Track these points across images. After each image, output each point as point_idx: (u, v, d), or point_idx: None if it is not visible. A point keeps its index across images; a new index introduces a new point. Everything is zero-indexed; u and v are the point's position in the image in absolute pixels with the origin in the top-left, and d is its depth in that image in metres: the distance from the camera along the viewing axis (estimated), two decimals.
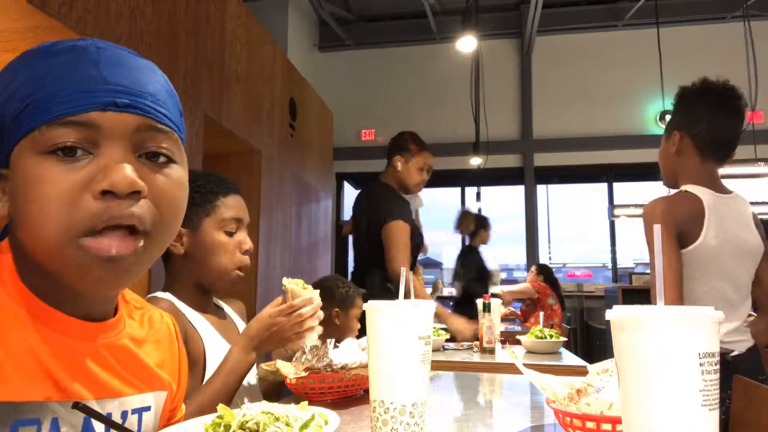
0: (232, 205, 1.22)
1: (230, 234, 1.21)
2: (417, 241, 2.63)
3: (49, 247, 0.54)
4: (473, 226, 4.95)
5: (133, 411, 0.66)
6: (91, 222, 0.53)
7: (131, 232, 0.55)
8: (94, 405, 0.59)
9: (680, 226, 1.43)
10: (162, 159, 0.59)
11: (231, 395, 1.09)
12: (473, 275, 4.78)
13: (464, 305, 4.51)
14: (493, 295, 2.78)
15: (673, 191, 1.60)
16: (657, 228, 0.61)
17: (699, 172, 1.55)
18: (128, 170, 0.54)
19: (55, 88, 0.54)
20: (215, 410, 0.68)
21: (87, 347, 0.61)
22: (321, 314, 1.34)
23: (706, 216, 1.45)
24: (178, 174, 0.61)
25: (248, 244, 1.23)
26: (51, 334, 0.58)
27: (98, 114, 0.54)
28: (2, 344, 0.54)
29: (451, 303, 5.00)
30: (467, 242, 5.13)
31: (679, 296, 1.37)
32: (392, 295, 2.31)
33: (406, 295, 0.88)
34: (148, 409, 0.69)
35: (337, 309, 1.86)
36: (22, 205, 0.55)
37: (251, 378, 1.28)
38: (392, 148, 2.66)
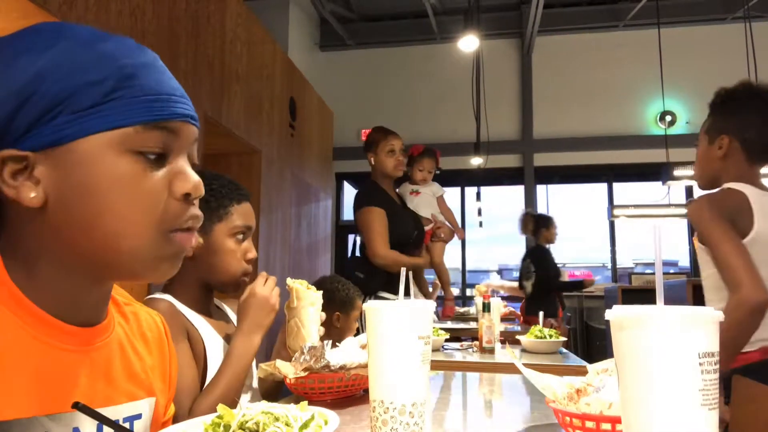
0: (244, 213, 1.24)
1: (239, 241, 1.22)
2: (410, 229, 2.64)
3: (140, 241, 0.56)
4: (532, 226, 5.04)
5: (125, 419, 0.65)
6: (176, 221, 0.58)
7: (192, 227, 0.61)
8: (81, 415, 0.57)
9: (731, 218, 1.44)
10: (196, 170, 0.63)
11: (242, 384, 1.13)
12: (546, 272, 4.83)
13: (537, 301, 4.56)
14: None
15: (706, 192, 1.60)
16: (657, 229, 0.60)
17: (743, 174, 1.55)
18: (196, 176, 0.60)
19: (145, 88, 0.55)
20: (231, 402, 0.69)
21: (78, 355, 0.60)
22: (323, 315, 1.34)
23: (754, 208, 1.45)
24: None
25: (253, 253, 1.24)
26: (42, 344, 0.56)
27: (180, 123, 0.58)
28: None
29: (522, 300, 5.09)
30: (534, 243, 5.22)
31: (759, 278, 1.32)
32: (360, 282, 2.35)
33: (406, 293, 0.88)
34: (139, 416, 0.68)
35: (338, 312, 1.85)
36: (96, 199, 0.54)
37: (251, 378, 1.28)
38: (364, 149, 2.77)
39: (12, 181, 0.53)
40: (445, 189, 3.30)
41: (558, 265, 4.96)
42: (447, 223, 3.19)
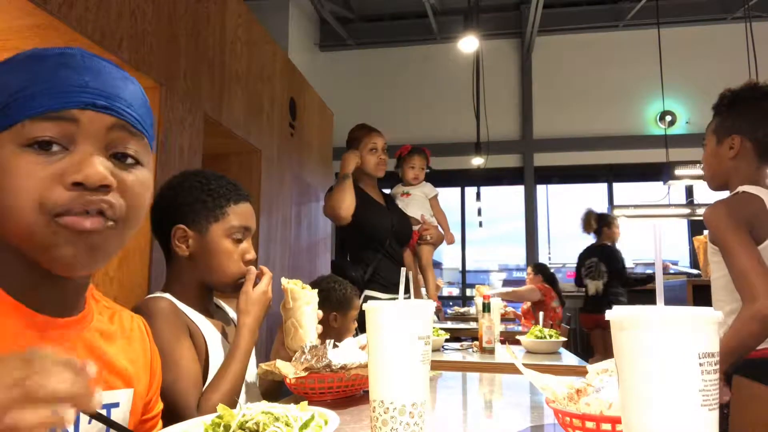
0: (241, 213, 1.22)
1: (237, 242, 1.21)
2: (385, 223, 2.57)
3: (27, 225, 0.58)
4: (595, 224, 5.03)
5: (103, 406, 0.68)
6: (65, 206, 0.58)
7: (101, 214, 0.60)
8: None
9: (749, 224, 1.43)
10: (130, 160, 0.64)
11: (244, 379, 1.14)
12: (620, 270, 4.85)
13: (604, 299, 4.58)
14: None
15: (723, 194, 1.59)
16: (657, 229, 0.60)
17: (755, 174, 1.56)
18: (100, 165, 0.59)
19: (41, 87, 0.59)
20: (233, 399, 0.69)
21: (50, 340, 0.63)
22: (320, 313, 1.34)
23: None
24: (144, 175, 0.65)
25: (251, 254, 1.23)
26: (16, 328, 0.60)
27: (78, 111, 0.59)
28: None
29: (586, 300, 5.06)
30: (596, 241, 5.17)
31: None
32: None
33: (406, 293, 0.88)
34: (116, 405, 0.71)
35: (335, 312, 1.84)
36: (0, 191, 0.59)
37: (251, 378, 1.28)
38: (346, 146, 2.68)
39: None
40: (446, 189, 3.27)
41: (623, 261, 5.03)
42: (438, 225, 3.13)
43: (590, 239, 5.21)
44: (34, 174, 0.58)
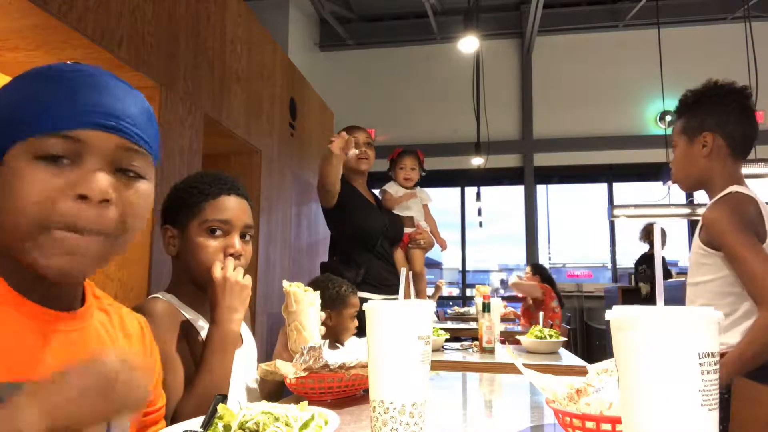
0: (217, 207, 1.18)
1: (214, 237, 1.17)
2: (378, 223, 2.55)
3: (22, 233, 0.63)
4: (647, 235, 5.66)
5: None
6: (61, 219, 0.62)
7: (99, 232, 0.65)
8: None
9: (754, 227, 1.42)
10: (132, 174, 0.69)
11: (226, 377, 1.08)
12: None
13: (652, 302, 4.75)
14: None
15: (688, 193, 1.59)
16: (657, 231, 0.61)
17: (732, 172, 1.55)
18: (103, 181, 0.64)
19: (54, 104, 0.64)
20: (222, 390, 0.69)
21: (52, 333, 0.66)
22: (323, 314, 1.34)
23: (764, 214, 1.45)
24: (144, 188, 0.70)
25: (233, 248, 1.17)
26: (13, 316, 0.64)
27: (87, 132, 0.64)
28: None
29: (641, 300, 5.62)
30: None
31: None
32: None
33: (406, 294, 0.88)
34: None
35: (328, 310, 1.82)
36: (8, 196, 0.63)
37: (251, 378, 1.28)
38: None
39: None
40: (446, 189, 3.26)
41: (669, 270, 5.69)
42: (429, 231, 3.12)
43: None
44: (41, 183, 0.62)
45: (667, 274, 5.51)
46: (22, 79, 0.68)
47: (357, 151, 2.47)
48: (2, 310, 0.63)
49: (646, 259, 5.75)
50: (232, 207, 1.20)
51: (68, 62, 0.68)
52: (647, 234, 5.63)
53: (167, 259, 1.28)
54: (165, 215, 1.22)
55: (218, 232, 1.17)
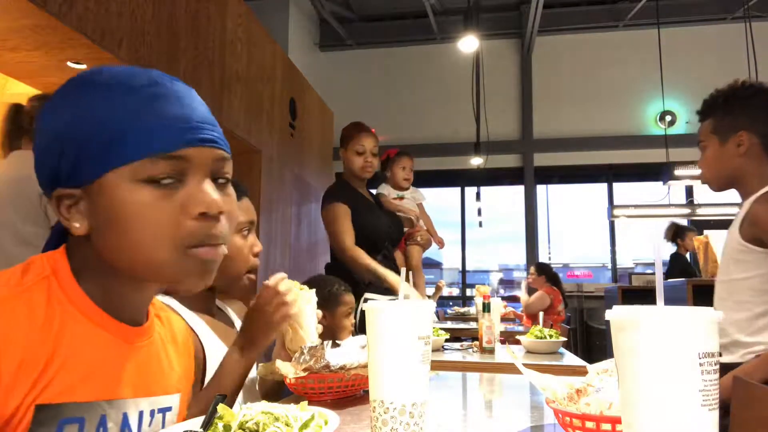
0: (244, 209, 1.21)
1: (245, 237, 1.21)
2: (383, 226, 2.54)
3: (161, 260, 0.64)
4: (671, 236, 5.48)
5: (159, 410, 0.72)
6: (193, 238, 0.64)
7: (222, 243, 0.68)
8: (130, 403, 0.67)
9: None
10: (223, 181, 0.70)
11: (233, 397, 1.07)
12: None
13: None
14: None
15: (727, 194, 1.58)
16: (657, 227, 0.60)
17: (765, 170, 1.56)
18: (215, 194, 0.66)
19: (152, 124, 0.62)
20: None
21: (130, 349, 0.69)
22: (320, 313, 1.34)
23: None
24: (233, 191, 0.72)
25: (258, 246, 1.23)
26: (102, 336, 0.65)
27: (189, 150, 0.64)
28: (57, 346, 0.60)
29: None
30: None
31: None
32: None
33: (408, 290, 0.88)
34: (170, 409, 0.75)
35: (322, 310, 1.82)
36: (117, 225, 0.63)
37: (250, 378, 1.27)
38: (340, 143, 2.63)
39: (66, 213, 0.65)
40: (445, 189, 3.26)
41: (693, 270, 5.50)
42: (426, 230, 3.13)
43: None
44: (159, 209, 0.63)
45: (691, 274, 5.42)
46: (82, 94, 0.65)
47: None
48: (93, 330, 0.64)
49: (670, 260, 5.59)
50: (251, 207, 1.25)
51: (134, 68, 0.67)
52: (673, 234, 5.49)
53: None
54: None
55: (245, 233, 1.21)
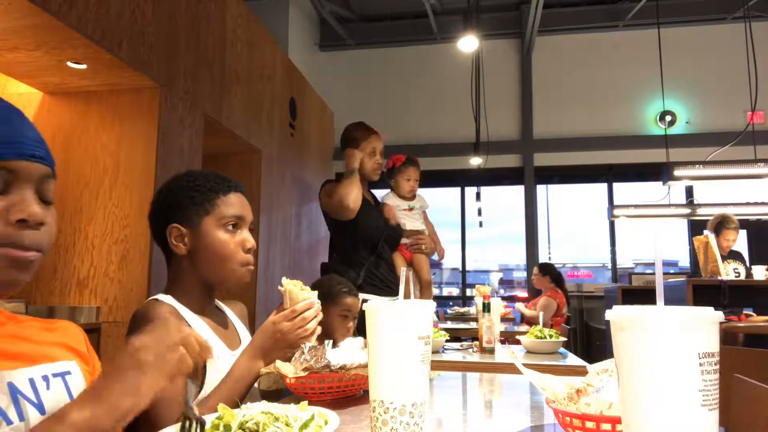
0: (231, 203, 1.21)
1: (232, 232, 1.20)
2: (380, 227, 2.55)
3: None
4: (714, 227, 5.58)
5: (54, 375, 0.76)
6: (9, 239, 0.69)
7: (38, 249, 0.73)
8: (13, 373, 0.71)
9: None
10: (48, 203, 0.75)
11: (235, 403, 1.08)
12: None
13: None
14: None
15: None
16: (657, 227, 0.60)
17: None
18: (38, 206, 0.72)
19: None
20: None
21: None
22: (320, 315, 1.34)
23: None
24: (54, 213, 0.78)
25: (251, 243, 1.22)
26: None
27: (18, 163, 0.70)
28: None
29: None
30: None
31: None
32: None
33: (406, 295, 0.88)
34: (69, 373, 0.78)
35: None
36: None
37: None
38: (342, 144, 2.61)
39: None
40: (445, 189, 3.22)
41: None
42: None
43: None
44: None
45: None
46: None
47: None
48: None
49: (733, 255, 5.67)
50: (243, 203, 1.24)
51: None
52: (717, 225, 5.50)
53: None
54: (166, 215, 1.21)
55: (234, 228, 1.20)
